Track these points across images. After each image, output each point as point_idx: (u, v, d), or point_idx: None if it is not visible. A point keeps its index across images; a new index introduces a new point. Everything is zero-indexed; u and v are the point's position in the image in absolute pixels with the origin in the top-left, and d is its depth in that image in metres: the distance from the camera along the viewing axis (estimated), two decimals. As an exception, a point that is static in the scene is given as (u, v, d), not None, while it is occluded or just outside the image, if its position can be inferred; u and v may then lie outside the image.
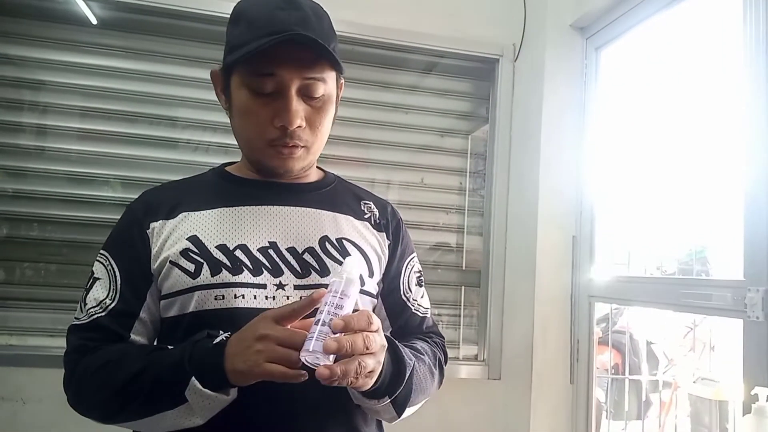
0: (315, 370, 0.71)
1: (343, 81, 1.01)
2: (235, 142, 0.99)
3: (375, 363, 0.77)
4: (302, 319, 0.77)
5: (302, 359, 0.72)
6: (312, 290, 0.86)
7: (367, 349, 0.74)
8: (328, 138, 1.00)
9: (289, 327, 0.76)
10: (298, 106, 0.90)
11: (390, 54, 2.06)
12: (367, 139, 2.05)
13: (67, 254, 1.81)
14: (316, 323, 0.73)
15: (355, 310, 0.77)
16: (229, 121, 0.98)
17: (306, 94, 0.91)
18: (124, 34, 1.88)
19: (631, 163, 1.82)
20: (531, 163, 1.92)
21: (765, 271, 1.18)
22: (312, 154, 0.97)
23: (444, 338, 1.11)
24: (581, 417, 1.79)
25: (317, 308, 0.75)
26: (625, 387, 2.78)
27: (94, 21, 1.86)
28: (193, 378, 0.77)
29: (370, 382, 0.79)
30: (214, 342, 0.79)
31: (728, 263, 1.53)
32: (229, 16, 0.94)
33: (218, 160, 1.09)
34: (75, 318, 0.92)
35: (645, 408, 2.75)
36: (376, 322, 0.78)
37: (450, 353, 2.01)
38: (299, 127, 0.90)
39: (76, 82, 1.85)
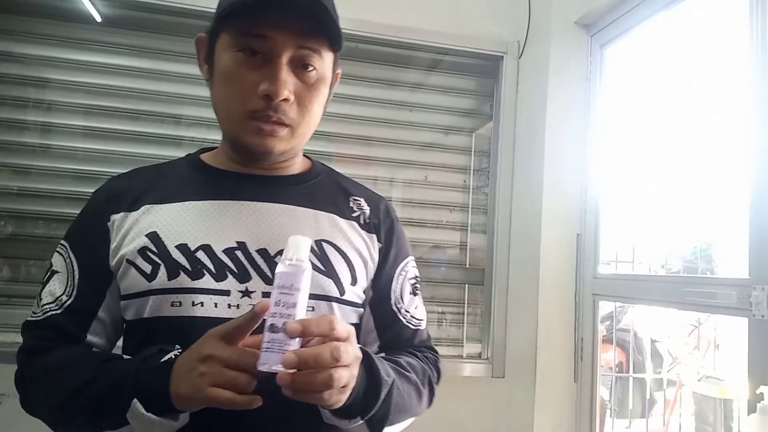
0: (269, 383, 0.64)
1: (339, 72, 0.92)
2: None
3: (349, 376, 0.67)
4: (253, 334, 0.68)
5: (260, 368, 0.63)
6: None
7: (337, 361, 0.64)
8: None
9: (239, 346, 0.67)
10: (288, 77, 0.80)
11: (394, 51, 2.06)
12: (371, 137, 2.05)
13: (72, 252, 1.81)
14: (268, 329, 0.64)
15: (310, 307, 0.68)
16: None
17: (299, 67, 0.81)
18: (129, 32, 1.88)
19: (636, 160, 1.81)
20: (535, 160, 1.91)
21: (771, 269, 1.18)
22: (297, 138, 0.86)
23: (438, 354, 1.00)
24: (585, 415, 1.79)
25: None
26: (629, 385, 2.78)
27: (98, 19, 1.86)
28: (135, 400, 0.69)
29: (344, 398, 0.69)
30: (162, 360, 0.71)
31: (733, 262, 1.53)
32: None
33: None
34: (32, 313, 0.85)
35: (649, 406, 2.75)
36: (344, 329, 0.67)
37: (453, 351, 2.05)
38: (286, 100, 0.80)
39: (80, 79, 1.85)
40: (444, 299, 2.07)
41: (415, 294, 0.98)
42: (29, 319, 0.85)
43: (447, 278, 2.08)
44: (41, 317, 0.83)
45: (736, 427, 2.30)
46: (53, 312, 0.82)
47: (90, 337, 0.83)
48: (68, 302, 0.82)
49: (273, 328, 0.63)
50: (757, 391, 0.97)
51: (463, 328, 2.09)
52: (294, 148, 0.88)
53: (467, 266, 2.11)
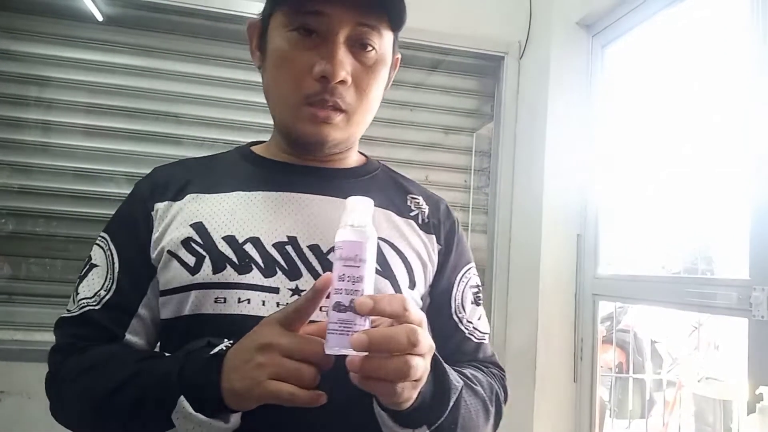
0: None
1: (399, 56, 0.86)
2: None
3: (424, 369, 0.59)
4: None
5: (328, 352, 0.57)
6: None
7: (414, 346, 0.56)
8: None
9: (301, 332, 0.60)
10: (345, 58, 0.74)
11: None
12: (371, 136, 2.05)
13: (72, 250, 1.81)
14: (334, 308, 0.56)
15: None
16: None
17: (357, 46, 0.76)
18: (130, 31, 1.89)
19: (637, 161, 1.81)
20: (536, 160, 1.91)
21: (771, 270, 1.18)
22: (353, 126, 0.80)
23: (504, 371, 0.89)
24: (585, 416, 1.79)
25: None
26: (629, 386, 2.78)
27: (99, 18, 1.87)
28: (182, 398, 0.61)
29: (414, 396, 0.60)
30: (212, 352, 0.63)
31: (734, 262, 1.53)
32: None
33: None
34: (66, 310, 0.79)
35: (649, 407, 2.74)
36: (417, 313, 0.59)
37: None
38: (343, 82, 0.74)
39: (81, 78, 1.86)
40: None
41: (477, 304, 0.90)
42: (63, 315, 0.79)
43: (447, 278, 2.08)
44: (77, 313, 0.77)
45: (735, 427, 2.30)
46: (90, 307, 0.76)
47: (129, 336, 0.77)
48: (107, 297, 0.76)
49: (339, 307, 0.56)
50: (757, 392, 0.97)
51: (463, 328, 2.09)
52: (350, 138, 0.83)
53: (467, 266, 2.11)
